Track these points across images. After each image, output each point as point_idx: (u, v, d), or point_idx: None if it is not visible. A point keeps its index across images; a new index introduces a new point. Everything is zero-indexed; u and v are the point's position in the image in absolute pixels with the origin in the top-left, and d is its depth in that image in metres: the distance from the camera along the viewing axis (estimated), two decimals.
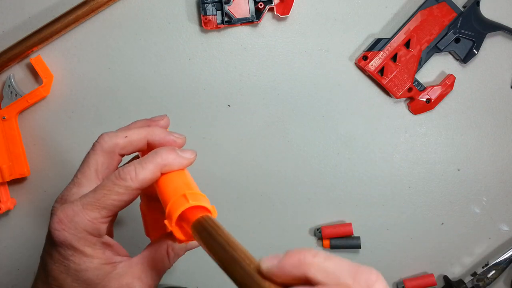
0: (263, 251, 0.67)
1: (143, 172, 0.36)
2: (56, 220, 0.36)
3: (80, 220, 0.35)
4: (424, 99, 0.63)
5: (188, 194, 0.34)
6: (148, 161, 0.37)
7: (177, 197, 0.34)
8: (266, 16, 0.63)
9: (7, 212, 0.65)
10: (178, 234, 0.35)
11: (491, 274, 0.64)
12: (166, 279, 0.67)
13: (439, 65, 0.64)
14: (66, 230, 0.36)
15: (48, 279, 0.37)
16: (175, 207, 0.34)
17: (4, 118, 0.62)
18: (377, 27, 0.63)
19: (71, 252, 0.36)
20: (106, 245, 0.38)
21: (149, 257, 0.39)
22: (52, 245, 0.37)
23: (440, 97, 0.63)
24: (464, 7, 0.62)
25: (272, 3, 0.60)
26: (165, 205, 0.35)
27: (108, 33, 0.63)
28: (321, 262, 0.27)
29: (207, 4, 0.60)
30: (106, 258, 0.37)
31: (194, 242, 0.39)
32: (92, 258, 0.36)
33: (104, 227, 0.37)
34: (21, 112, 0.63)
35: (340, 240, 0.65)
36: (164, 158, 0.37)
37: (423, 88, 0.62)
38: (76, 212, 0.36)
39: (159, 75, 0.63)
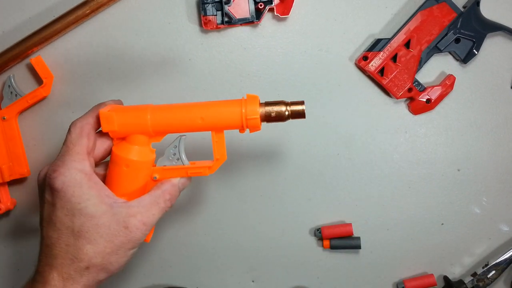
0: (263, 251, 0.67)
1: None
2: (51, 170, 0.45)
3: (71, 161, 0.45)
4: (424, 100, 0.63)
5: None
6: None
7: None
8: (266, 16, 0.63)
9: (7, 212, 0.66)
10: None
11: (491, 274, 0.64)
12: (166, 279, 0.67)
13: (439, 65, 0.64)
14: (62, 174, 0.44)
15: (54, 231, 0.45)
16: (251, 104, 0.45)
17: (4, 118, 0.62)
18: (377, 27, 0.63)
19: (71, 193, 0.43)
20: (101, 188, 0.45)
21: (145, 199, 0.46)
22: (54, 196, 0.44)
23: (440, 97, 0.63)
24: (464, 7, 0.62)
25: (272, 4, 0.60)
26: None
27: (108, 33, 0.63)
28: None
29: (207, 5, 0.60)
30: (102, 196, 0.44)
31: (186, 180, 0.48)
32: (89, 197, 0.44)
33: (92, 162, 0.46)
34: (21, 112, 0.63)
35: (340, 240, 0.65)
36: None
37: (423, 89, 0.62)
38: (65, 160, 0.45)
39: (159, 75, 0.63)
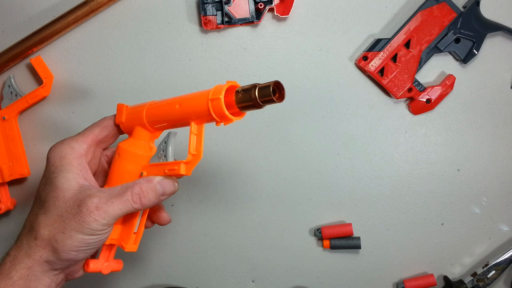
0: (263, 251, 0.67)
1: None
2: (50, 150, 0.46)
3: (70, 139, 0.46)
4: (424, 100, 0.63)
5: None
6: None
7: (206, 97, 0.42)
8: (266, 17, 0.63)
9: (7, 212, 0.65)
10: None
11: (491, 274, 0.64)
12: (166, 279, 0.67)
13: (439, 65, 0.64)
14: (56, 147, 0.46)
15: (34, 200, 0.46)
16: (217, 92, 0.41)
17: (4, 118, 0.62)
18: (377, 27, 0.63)
19: (52, 163, 0.45)
20: (82, 169, 0.45)
21: (115, 188, 0.44)
22: (46, 165, 0.46)
23: (440, 97, 0.63)
24: (464, 7, 0.62)
25: (272, 4, 0.60)
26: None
27: (108, 33, 0.63)
28: None
29: (207, 5, 0.60)
30: (77, 174, 0.44)
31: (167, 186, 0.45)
32: (64, 170, 0.44)
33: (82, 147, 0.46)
34: (21, 112, 0.63)
35: (340, 240, 0.65)
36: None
37: (423, 89, 0.62)
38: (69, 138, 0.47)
39: (159, 75, 0.63)
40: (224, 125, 0.43)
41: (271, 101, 0.40)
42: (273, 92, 0.39)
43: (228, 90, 0.42)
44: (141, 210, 0.45)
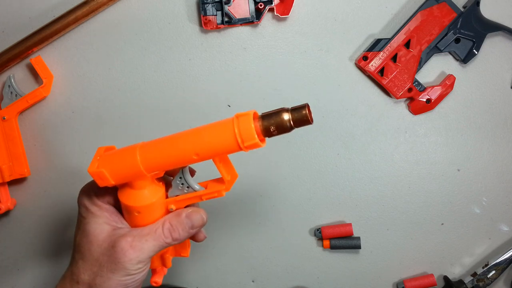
0: (263, 251, 0.67)
1: None
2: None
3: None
4: (424, 100, 0.63)
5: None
6: None
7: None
8: (266, 17, 0.63)
9: (7, 212, 0.65)
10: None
11: (491, 274, 0.64)
12: (166, 279, 0.67)
13: (439, 65, 0.64)
14: (82, 195, 0.45)
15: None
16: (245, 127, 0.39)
17: (4, 118, 0.62)
18: (377, 27, 0.63)
19: (84, 210, 0.45)
20: (112, 212, 0.45)
21: (147, 227, 0.44)
22: (78, 215, 0.46)
23: (440, 97, 0.63)
24: (464, 7, 0.62)
25: (272, 4, 0.60)
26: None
27: (108, 33, 0.63)
28: None
29: (207, 5, 0.60)
30: (108, 218, 0.44)
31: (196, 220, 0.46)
32: (95, 215, 0.44)
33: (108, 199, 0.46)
34: (21, 112, 0.63)
35: (340, 240, 0.65)
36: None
37: (423, 89, 0.62)
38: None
39: (159, 75, 0.63)
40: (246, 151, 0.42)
41: (306, 123, 0.39)
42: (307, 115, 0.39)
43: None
44: (173, 244, 0.45)
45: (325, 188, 0.65)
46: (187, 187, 0.45)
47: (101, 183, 0.42)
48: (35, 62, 0.61)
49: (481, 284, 0.64)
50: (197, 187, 0.45)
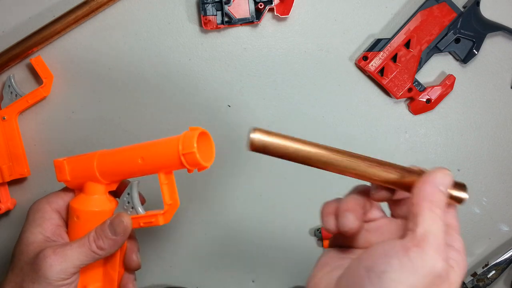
0: (263, 251, 0.67)
1: None
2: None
3: (49, 195, 0.46)
4: (424, 100, 0.63)
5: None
6: None
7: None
8: (266, 17, 0.63)
9: (7, 212, 0.65)
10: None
11: (491, 274, 0.64)
12: (166, 279, 0.67)
13: (439, 65, 0.64)
14: (35, 202, 0.45)
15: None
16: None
17: (4, 118, 0.62)
18: (377, 27, 0.63)
19: (29, 218, 0.44)
20: (55, 225, 0.44)
21: (75, 240, 0.42)
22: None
23: (440, 97, 0.63)
24: (464, 7, 0.62)
25: (272, 4, 0.60)
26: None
27: (108, 33, 0.63)
28: None
29: (207, 5, 0.60)
30: (45, 229, 0.43)
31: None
32: (34, 225, 0.43)
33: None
34: (21, 112, 0.63)
35: None
36: None
37: (423, 89, 0.62)
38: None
39: (159, 75, 0.63)
40: (198, 171, 0.41)
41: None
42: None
43: (200, 136, 0.40)
44: (101, 255, 0.42)
45: (325, 188, 0.65)
46: (132, 207, 0.43)
47: (59, 177, 0.44)
48: (35, 62, 0.61)
49: (481, 284, 0.64)
50: (140, 209, 0.43)
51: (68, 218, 0.45)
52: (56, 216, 0.44)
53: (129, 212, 0.43)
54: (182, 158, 0.40)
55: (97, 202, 0.44)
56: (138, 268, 0.47)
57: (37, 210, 0.44)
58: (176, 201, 0.43)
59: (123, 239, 0.42)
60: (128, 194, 0.43)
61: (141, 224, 0.43)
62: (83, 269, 0.43)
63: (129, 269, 0.47)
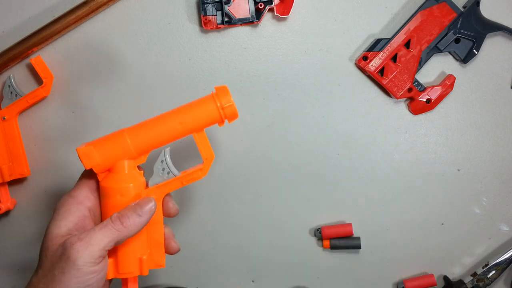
0: (263, 251, 0.67)
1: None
2: None
3: (72, 189, 0.47)
4: (424, 100, 0.63)
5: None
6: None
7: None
8: (266, 17, 0.63)
9: (7, 212, 0.65)
10: None
11: (491, 274, 0.64)
12: (166, 279, 0.67)
13: (439, 65, 0.64)
14: (58, 202, 0.45)
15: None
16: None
17: (4, 118, 0.62)
18: (377, 27, 0.63)
19: (55, 212, 0.44)
20: (81, 217, 0.44)
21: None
22: None
23: (440, 97, 0.63)
24: (464, 7, 0.62)
25: (272, 4, 0.60)
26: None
27: (108, 33, 0.63)
28: None
29: (207, 5, 0.60)
30: (70, 219, 0.43)
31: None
32: (60, 216, 0.44)
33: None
34: (21, 112, 0.63)
35: (340, 240, 0.65)
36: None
37: (423, 89, 0.62)
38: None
39: (159, 75, 0.63)
40: (229, 123, 0.46)
41: None
42: None
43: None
44: (128, 234, 0.43)
45: (325, 188, 0.65)
46: (168, 172, 0.46)
47: (88, 163, 0.44)
48: (35, 62, 0.61)
49: (481, 284, 0.64)
50: (176, 171, 0.47)
51: (101, 200, 0.45)
52: (81, 207, 0.44)
53: (165, 178, 0.46)
54: (221, 112, 0.45)
55: (133, 176, 0.45)
56: (177, 251, 0.50)
57: (61, 205, 0.44)
58: (211, 155, 0.47)
59: (146, 219, 0.44)
60: (162, 161, 0.46)
61: (184, 183, 0.46)
62: (131, 244, 0.45)
63: (170, 252, 0.50)
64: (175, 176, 0.47)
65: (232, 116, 0.46)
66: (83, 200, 0.45)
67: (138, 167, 0.48)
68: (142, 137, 0.45)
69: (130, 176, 0.45)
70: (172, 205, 0.49)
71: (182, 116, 0.45)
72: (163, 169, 0.46)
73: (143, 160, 0.46)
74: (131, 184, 0.45)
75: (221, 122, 0.46)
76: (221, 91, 0.45)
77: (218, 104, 0.45)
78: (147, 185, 0.47)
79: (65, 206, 0.44)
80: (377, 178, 0.65)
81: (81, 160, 0.44)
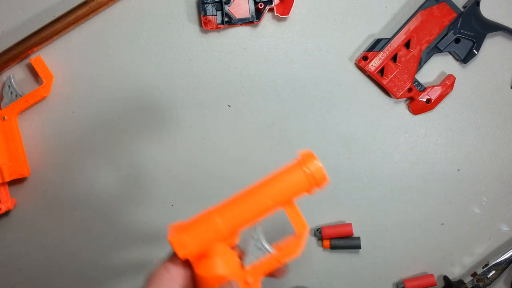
0: None
1: None
2: None
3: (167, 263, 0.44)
4: (424, 100, 0.63)
5: None
6: None
7: None
8: (266, 17, 0.63)
9: (7, 212, 0.65)
10: None
11: (491, 274, 0.64)
12: None
13: (439, 65, 0.64)
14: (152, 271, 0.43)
15: None
16: None
17: (4, 119, 0.62)
18: (377, 27, 0.63)
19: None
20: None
21: None
22: None
23: (440, 97, 0.63)
24: (464, 7, 0.62)
25: (272, 4, 0.60)
26: None
27: (108, 33, 0.63)
28: None
29: (207, 5, 0.60)
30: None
31: None
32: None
33: None
34: (21, 112, 0.63)
35: (340, 240, 0.65)
36: None
37: (423, 89, 0.62)
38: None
39: (159, 75, 0.63)
40: (319, 188, 0.44)
41: None
42: None
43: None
44: None
45: (325, 188, 0.65)
46: (262, 251, 0.44)
47: (181, 253, 0.41)
48: (35, 62, 0.61)
49: (481, 284, 0.64)
50: (271, 249, 0.44)
51: (197, 285, 0.43)
52: (174, 284, 0.43)
53: (262, 255, 0.44)
54: (311, 179, 0.42)
55: (229, 260, 0.43)
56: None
57: (154, 278, 0.42)
58: (304, 226, 0.45)
59: None
60: (256, 240, 0.44)
61: (281, 262, 0.44)
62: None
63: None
64: (270, 253, 0.44)
65: (323, 180, 0.43)
66: (176, 277, 0.43)
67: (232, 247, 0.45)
68: (234, 217, 0.42)
69: (227, 260, 0.43)
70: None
71: (271, 191, 0.43)
72: (259, 248, 0.44)
73: (235, 241, 0.44)
74: (230, 270, 0.42)
75: (310, 190, 0.43)
76: (307, 156, 0.43)
77: (306, 170, 0.43)
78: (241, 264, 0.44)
79: (158, 279, 0.43)
80: (377, 178, 0.65)
81: (175, 251, 0.42)
